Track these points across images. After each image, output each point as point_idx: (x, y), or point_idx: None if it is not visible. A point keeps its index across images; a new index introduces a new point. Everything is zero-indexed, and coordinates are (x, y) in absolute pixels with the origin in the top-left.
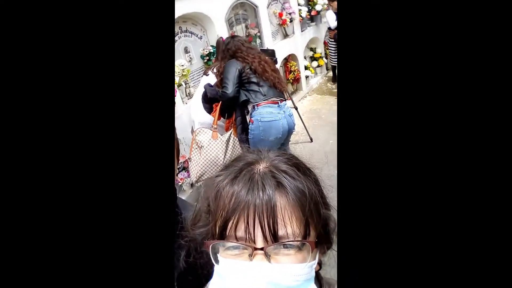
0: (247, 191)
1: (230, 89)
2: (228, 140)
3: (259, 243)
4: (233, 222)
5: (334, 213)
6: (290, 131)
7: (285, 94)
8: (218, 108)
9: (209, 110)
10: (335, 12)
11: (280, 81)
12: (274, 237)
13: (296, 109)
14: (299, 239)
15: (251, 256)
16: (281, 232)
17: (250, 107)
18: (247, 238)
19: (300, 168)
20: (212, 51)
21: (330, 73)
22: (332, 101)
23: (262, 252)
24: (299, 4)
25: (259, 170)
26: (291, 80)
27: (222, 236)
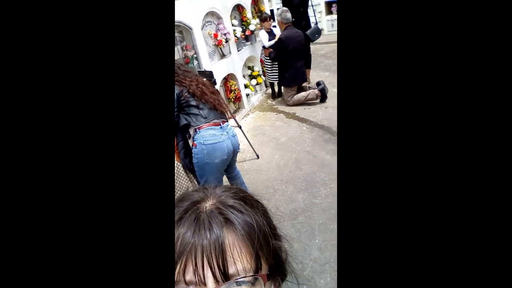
0: (193, 232)
1: None
2: None
3: (210, 284)
4: (180, 266)
5: (285, 243)
6: (235, 151)
7: (226, 115)
8: None
9: None
10: (267, 32)
11: (220, 103)
12: (225, 276)
13: (240, 127)
14: (251, 274)
15: None
16: (231, 270)
17: (192, 131)
18: (197, 281)
19: (247, 201)
20: None
21: (269, 90)
22: (274, 117)
23: None
24: (233, 25)
25: (206, 208)
26: (232, 99)
27: None
